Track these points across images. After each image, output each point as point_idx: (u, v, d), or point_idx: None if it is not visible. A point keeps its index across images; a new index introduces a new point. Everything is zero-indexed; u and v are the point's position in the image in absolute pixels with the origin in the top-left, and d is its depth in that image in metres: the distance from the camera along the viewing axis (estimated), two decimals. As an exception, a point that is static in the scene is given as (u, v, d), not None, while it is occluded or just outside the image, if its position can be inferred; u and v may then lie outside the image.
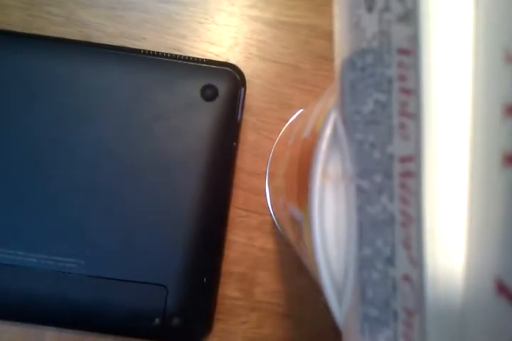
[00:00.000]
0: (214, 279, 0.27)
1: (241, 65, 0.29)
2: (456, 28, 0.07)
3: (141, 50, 0.26)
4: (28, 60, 0.25)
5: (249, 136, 0.29)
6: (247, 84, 0.29)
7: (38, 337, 0.26)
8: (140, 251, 0.25)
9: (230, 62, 0.28)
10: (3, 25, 0.28)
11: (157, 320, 0.25)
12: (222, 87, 0.26)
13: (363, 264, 0.10)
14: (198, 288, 0.26)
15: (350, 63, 0.10)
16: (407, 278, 0.08)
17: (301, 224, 0.13)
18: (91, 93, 0.25)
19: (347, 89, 0.10)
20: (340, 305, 0.11)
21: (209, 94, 0.25)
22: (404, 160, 0.08)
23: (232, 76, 0.27)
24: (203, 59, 0.26)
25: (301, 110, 0.28)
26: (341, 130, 0.10)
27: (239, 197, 0.29)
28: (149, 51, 0.26)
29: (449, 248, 0.08)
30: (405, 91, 0.08)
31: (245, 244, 0.29)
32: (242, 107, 0.27)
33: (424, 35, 0.07)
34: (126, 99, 0.25)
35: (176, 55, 0.26)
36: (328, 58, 0.29)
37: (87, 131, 0.25)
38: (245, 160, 0.29)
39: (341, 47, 0.10)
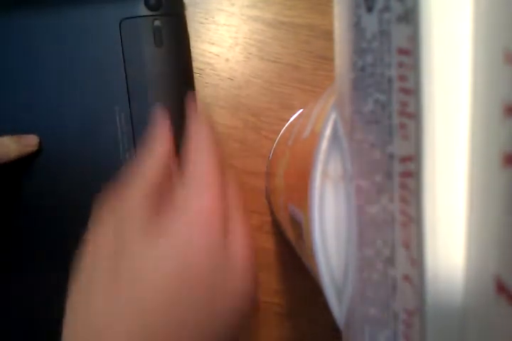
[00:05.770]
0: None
1: (241, 65, 0.29)
2: (456, 28, 0.07)
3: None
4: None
5: (249, 136, 0.29)
6: (247, 84, 0.29)
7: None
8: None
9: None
10: None
11: None
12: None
13: (363, 264, 0.10)
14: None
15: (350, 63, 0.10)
16: (407, 278, 0.08)
17: (301, 224, 0.13)
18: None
19: (347, 89, 0.10)
20: (340, 305, 0.11)
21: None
22: (404, 160, 0.08)
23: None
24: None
25: (301, 110, 0.28)
26: (341, 130, 0.10)
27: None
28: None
29: (449, 248, 0.08)
30: (405, 91, 0.08)
31: (245, 244, 0.29)
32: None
33: (424, 35, 0.07)
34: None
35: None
36: (327, 58, 0.29)
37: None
38: (245, 160, 0.29)
39: (341, 47, 0.10)
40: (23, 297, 0.27)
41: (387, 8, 0.08)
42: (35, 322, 0.27)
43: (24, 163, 0.26)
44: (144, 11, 0.26)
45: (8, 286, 0.27)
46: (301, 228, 0.13)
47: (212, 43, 0.29)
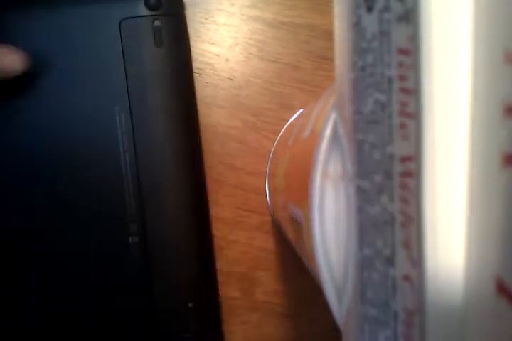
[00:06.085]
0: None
1: (241, 65, 0.29)
2: (456, 28, 0.07)
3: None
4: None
5: (249, 136, 0.29)
6: (247, 84, 0.29)
7: None
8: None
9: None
10: None
11: None
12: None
13: (363, 264, 0.10)
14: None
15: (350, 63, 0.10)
16: (407, 278, 0.08)
17: (301, 224, 0.13)
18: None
19: (347, 89, 0.10)
20: (340, 305, 0.11)
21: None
22: (404, 160, 0.08)
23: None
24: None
25: (301, 110, 0.28)
26: (341, 130, 0.10)
27: (239, 197, 0.29)
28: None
29: (449, 248, 0.08)
30: (405, 91, 0.08)
31: (245, 243, 0.29)
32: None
33: (424, 35, 0.07)
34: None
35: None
36: (328, 58, 0.29)
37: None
38: (245, 160, 0.29)
39: (341, 47, 0.10)
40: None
41: (387, 8, 0.08)
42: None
43: (21, 161, 0.26)
44: (144, 11, 0.26)
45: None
46: (301, 228, 0.13)
47: (212, 43, 0.29)
